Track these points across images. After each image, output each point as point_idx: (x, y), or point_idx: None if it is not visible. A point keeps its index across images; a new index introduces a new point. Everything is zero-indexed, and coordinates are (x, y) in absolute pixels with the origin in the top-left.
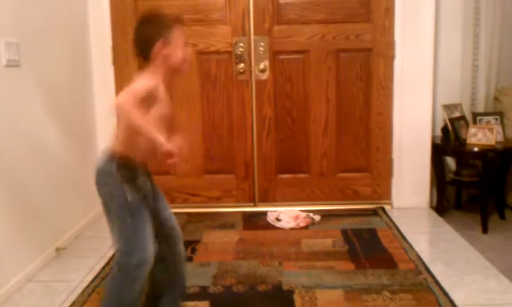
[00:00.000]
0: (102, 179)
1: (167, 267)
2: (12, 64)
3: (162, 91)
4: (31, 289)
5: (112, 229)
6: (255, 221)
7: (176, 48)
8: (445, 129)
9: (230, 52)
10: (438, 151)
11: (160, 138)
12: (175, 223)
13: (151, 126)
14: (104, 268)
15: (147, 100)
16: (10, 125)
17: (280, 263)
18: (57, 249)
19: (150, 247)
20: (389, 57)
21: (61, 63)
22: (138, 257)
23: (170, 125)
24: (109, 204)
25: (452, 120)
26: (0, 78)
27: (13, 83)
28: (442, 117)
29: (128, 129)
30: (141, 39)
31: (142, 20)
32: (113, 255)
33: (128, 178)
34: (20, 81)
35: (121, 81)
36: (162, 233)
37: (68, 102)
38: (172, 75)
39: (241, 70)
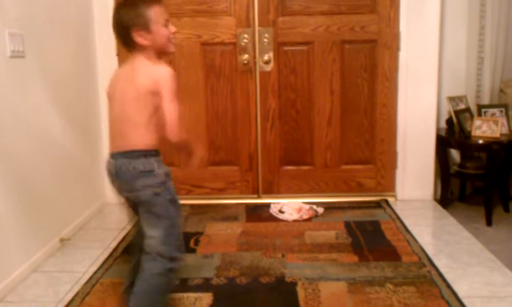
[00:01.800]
0: (143, 181)
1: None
2: (16, 55)
3: None
4: (35, 279)
5: (156, 228)
6: (258, 213)
7: (156, 31)
8: (449, 121)
9: (234, 44)
10: (443, 144)
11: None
12: None
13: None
14: (107, 259)
15: None
16: (14, 115)
17: (283, 255)
18: (62, 240)
19: None
20: (394, 49)
21: (66, 54)
22: (183, 252)
23: None
24: (155, 205)
25: (456, 112)
26: (4, 69)
27: (17, 74)
28: (447, 109)
29: (158, 122)
30: (118, 28)
31: (117, 6)
32: (123, 247)
33: (167, 174)
34: (25, 72)
35: None
36: None
37: (72, 93)
38: (160, 57)
39: (245, 62)
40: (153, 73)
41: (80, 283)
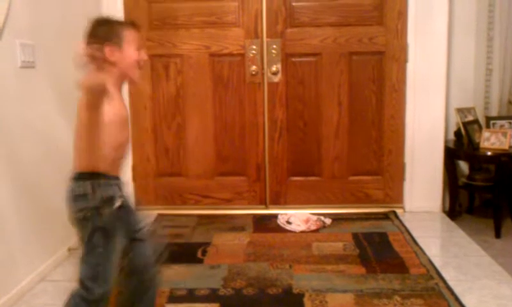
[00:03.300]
0: (77, 205)
1: (138, 276)
2: (27, 66)
3: (113, 90)
4: (43, 288)
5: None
6: (265, 224)
7: (127, 51)
8: (458, 133)
9: (242, 55)
10: (451, 155)
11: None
12: (145, 227)
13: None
14: None
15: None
16: (23, 124)
17: (290, 266)
18: (70, 249)
19: (111, 281)
20: (402, 61)
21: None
22: (103, 288)
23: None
24: (83, 229)
25: (465, 124)
26: (15, 79)
27: (27, 84)
28: (455, 120)
29: (90, 138)
30: (90, 40)
31: (94, 22)
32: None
33: (106, 197)
34: (35, 82)
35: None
36: (132, 245)
37: None
38: (121, 79)
39: (253, 73)
40: None
41: None
